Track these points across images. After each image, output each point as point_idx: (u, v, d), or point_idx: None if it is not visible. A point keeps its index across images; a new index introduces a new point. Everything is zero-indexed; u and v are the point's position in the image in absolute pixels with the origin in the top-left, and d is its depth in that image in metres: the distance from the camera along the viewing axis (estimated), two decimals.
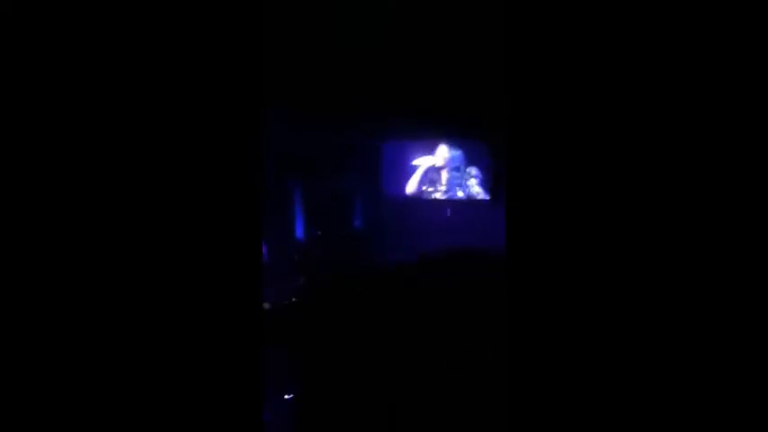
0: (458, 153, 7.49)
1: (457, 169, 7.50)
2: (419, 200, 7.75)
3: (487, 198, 7.35)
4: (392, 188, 7.87)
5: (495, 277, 1.53)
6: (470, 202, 7.42)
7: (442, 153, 7.57)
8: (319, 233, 7.46)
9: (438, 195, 7.68)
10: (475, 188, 7.41)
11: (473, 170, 7.46)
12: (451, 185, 7.52)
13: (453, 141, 7.53)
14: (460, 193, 7.46)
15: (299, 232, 7.71)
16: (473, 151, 7.48)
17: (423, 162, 7.71)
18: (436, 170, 7.71)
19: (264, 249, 8.35)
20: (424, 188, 7.77)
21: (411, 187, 7.80)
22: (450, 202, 7.54)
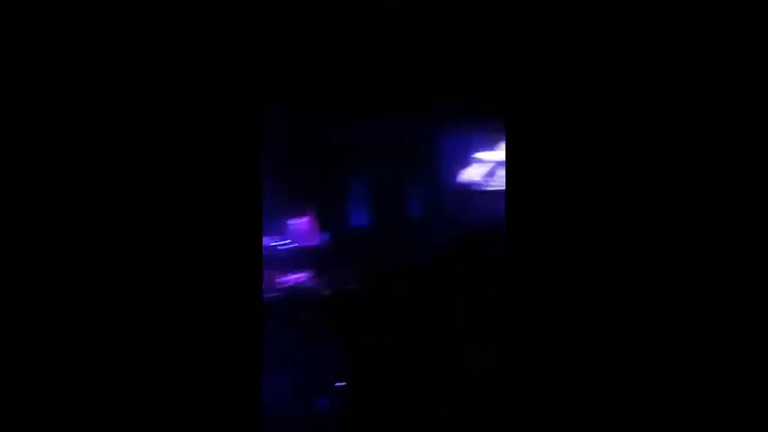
0: None
1: None
2: (478, 191, 7.73)
3: None
4: (451, 179, 7.88)
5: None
6: None
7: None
8: (378, 222, 7.55)
9: (497, 187, 7.65)
10: None
11: None
12: None
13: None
14: None
15: (360, 220, 7.82)
16: None
17: (486, 156, 7.69)
18: (498, 164, 7.68)
19: (326, 238, 8.51)
20: (483, 179, 7.75)
21: (471, 178, 7.80)
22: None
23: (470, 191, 7.96)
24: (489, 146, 7.89)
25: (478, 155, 7.89)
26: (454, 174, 8.03)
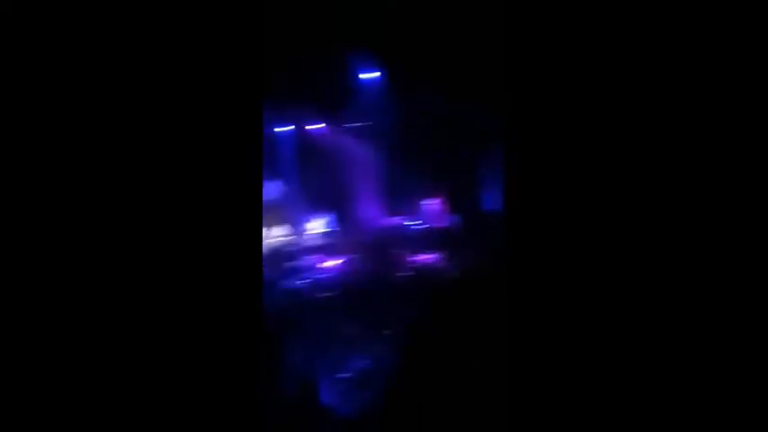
0: None
1: None
2: None
3: None
4: None
5: None
6: None
7: None
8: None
9: None
10: None
11: None
12: None
13: None
14: None
15: (493, 204, 7.80)
16: None
17: None
18: None
19: (457, 220, 8.55)
20: None
21: None
22: None
23: None
24: None
25: None
26: None
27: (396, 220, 9.64)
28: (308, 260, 9.14)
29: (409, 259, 7.23)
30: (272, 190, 10.93)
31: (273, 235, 9.71)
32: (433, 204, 9.10)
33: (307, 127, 10.26)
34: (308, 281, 8.52)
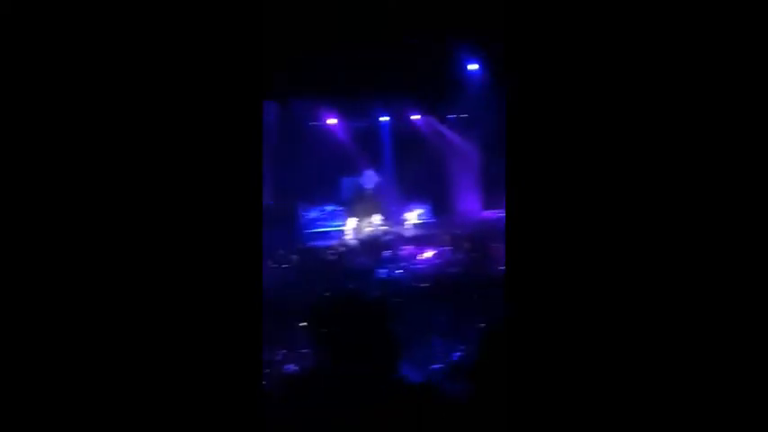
0: None
1: None
2: None
3: None
4: None
5: None
6: None
7: None
8: None
9: None
10: None
11: None
12: None
13: None
14: None
15: None
16: None
17: None
18: None
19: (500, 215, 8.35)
20: None
21: None
22: None
23: None
24: None
25: None
26: None
27: (494, 213, 9.56)
28: (405, 250, 9.25)
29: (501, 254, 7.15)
30: (371, 179, 11.14)
31: (373, 223, 9.90)
32: None
33: (411, 117, 10.35)
34: (404, 270, 8.64)
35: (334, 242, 9.53)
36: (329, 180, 10.46)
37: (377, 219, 10.09)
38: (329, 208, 10.40)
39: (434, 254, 8.82)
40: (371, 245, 9.38)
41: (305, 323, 1.57)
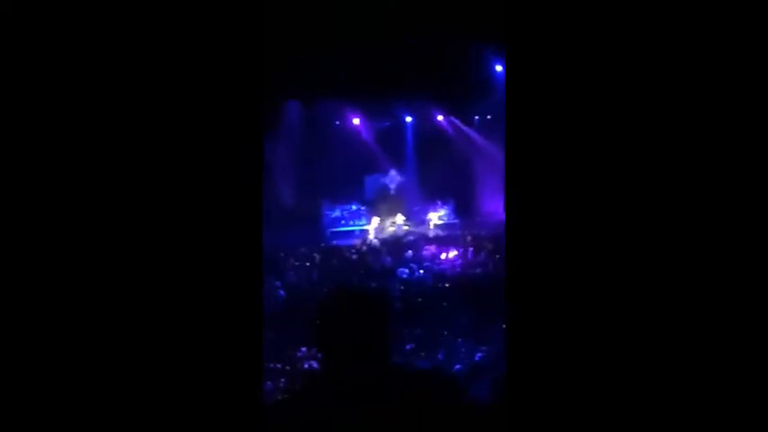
0: None
1: None
2: None
3: None
4: None
5: None
6: None
7: None
8: None
9: None
10: None
11: None
12: None
13: None
14: None
15: None
16: None
17: None
18: None
19: None
20: None
21: None
22: None
23: None
24: None
25: None
26: None
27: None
28: (427, 250, 9.27)
29: None
30: (395, 179, 11.18)
31: (396, 223, 9.93)
32: None
33: (436, 118, 10.36)
34: (426, 271, 8.66)
35: (356, 241, 9.57)
36: (353, 179, 10.52)
37: (400, 218, 10.12)
38: (353, 207, 10.46)
39: (456, 254, 8.81)
40: (394, 244, 9.41)
41: (317, 321, 1.58)
